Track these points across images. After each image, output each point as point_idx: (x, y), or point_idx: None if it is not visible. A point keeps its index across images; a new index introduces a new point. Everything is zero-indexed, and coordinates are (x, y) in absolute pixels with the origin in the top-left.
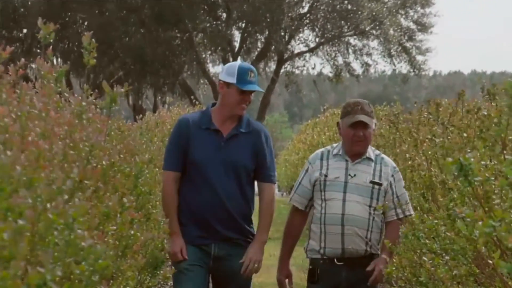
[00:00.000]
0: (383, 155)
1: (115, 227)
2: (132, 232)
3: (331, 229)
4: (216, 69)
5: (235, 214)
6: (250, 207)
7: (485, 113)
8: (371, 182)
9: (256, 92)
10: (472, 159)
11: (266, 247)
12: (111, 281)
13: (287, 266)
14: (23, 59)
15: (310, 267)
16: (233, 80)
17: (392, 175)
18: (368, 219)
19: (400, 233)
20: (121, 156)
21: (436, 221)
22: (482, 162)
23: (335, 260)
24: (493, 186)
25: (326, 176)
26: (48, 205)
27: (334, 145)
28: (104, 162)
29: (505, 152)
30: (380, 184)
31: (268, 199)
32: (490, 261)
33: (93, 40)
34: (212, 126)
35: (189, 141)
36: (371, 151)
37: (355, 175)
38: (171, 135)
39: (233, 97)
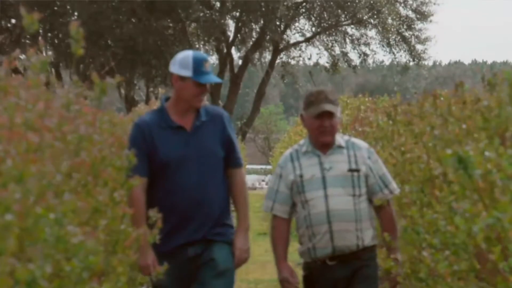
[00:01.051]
0: (353, 139)
1: (105, 222)
2: (123, 227)
3: (318, 229)
4: (210, 59)
5: (216, 209)
6: (227, 197)
7: (486, 104)
8: (349, 170)
9: (250, 83)
10: (471, 152)
11: (261, 242)
12: (102, 277)
13: (286, 265)
14: (18, 50)
15: (304, 274)
16: (188, 73)
17: (368, 157)
18: (354, 210)
19: (395, 218)
20: (112, 149)
21: (435, 215)
22: (486, 153)
23: (327, 261)
24: (496, 178)
25: (301, 176)
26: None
27: (301, 142)
28: (94, 155)
29: (505, 145)
30: (358, 170)
31: (241, 184)
32: (493, 257)
33: (80, 29)
34: (172, 123)
35: (153, 143)
36: (339, 138)
37: (330, 167)
38: (132, 140)
39: (190, 91)
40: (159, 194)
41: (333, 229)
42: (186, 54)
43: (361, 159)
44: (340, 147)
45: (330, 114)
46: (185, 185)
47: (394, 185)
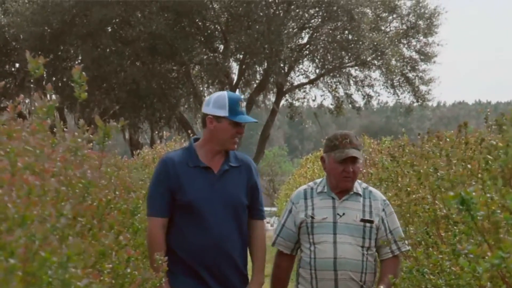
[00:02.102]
0: (370, 188)
1: (111, 266)
2: (129, 270)
3: (323, 275)
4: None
5: (235, 257)
6: (246, 248)
7: (493, 143)
8: (362, 220)
9: (254, 125)
10: (474, 193)
11: (267, 284)
12: None
13: None
14: (22, 95)
15: None
16: (224, 113)
17: (383, 209)
18: (361, 261)
19: (398, 269)
20: (117, 193)
21: (440, 256)
22: (488, 195)
23: None
24: (501, 217)
25: (312, 217)
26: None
27: (318, 181)
28: (99, 199)
29: (510, 185)
30: (371, 222)
31: (261, 238)
32: None
33: (83, 73)
34: (200, 163)
35: (179, 182)
36: (357, 185)
37: (344, 213)
38: (156, 177)
39: (226, 131)
40: (174, 236)
41: (339, 277)
42: (221, 94)
43: (375, 210)
44: (357, 194)
45: (354, 160)
46: (205, 228)
47: (404, 241)
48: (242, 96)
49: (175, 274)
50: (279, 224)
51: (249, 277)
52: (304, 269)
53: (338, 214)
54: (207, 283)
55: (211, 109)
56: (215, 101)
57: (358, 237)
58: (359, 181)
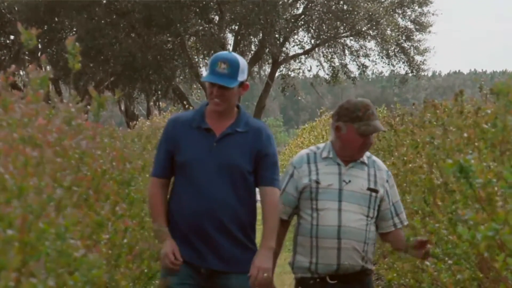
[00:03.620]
0: (374, 158)
1: (107, 236)
2: (126, 241)
3: (325, 243)
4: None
5: (227, 223)
6: (249, 215)
7: (484, 113)
8: (369, 189)
9: (250, 96)
10: (472, 161)
11: None
12: None
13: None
14: (13, 66)
15: None
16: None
17: (387, 180)
18: (365, 231)
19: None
20: (113, 163)
21: (437, 224)
22: (484, 164)
23: (328, 278)
24: (496, 188)
25: (317, 182)
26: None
27: (320, 145)
28: (95, 170)
29: (503, 155)
30: (377, 191)
31: (272, 203)
32: (496, 265)
33: (77, 44)
34: (203, 124)
35: (177, 142)
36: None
37: (350, 181)
38: (161, 137)
39: (207, 91)
40: (175, 198)
41: (342, 246)
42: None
43: (380, 180)
44: (362, 162)
45: (376, 132)
46: (198, 192)
47: (404, 215)
48: (232, 56)
49: (174, 239)
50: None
51: (251, 248)
52: (303, 236)
53: (344, 181)
54: (199, 251)
55: None
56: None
57: (364, 206)
58: None
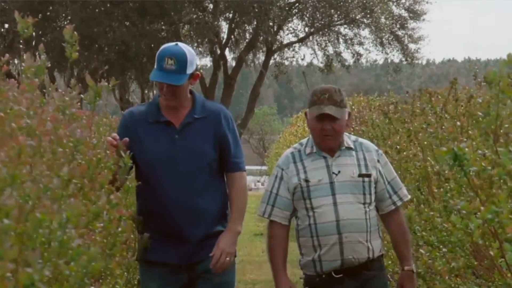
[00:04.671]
0: (360, 140)
1: (102, 225)
2: (120, 229)
3: (326, 240)
4: (203, 61)
5: (201, 214)
6: (220, 203)
7: (478, 101)
8: (360, 175)
9: (244, 84)
10: (466, 149)
11: (258, 243)
12: (100, 280)
13: (286, 279)
14: (7, 55)
15: (306, 287)
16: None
17: (378, 160)
18: (365, 219)
19: (405, 222)
20: (108, 151)
21: (432, 212)
22: (479, 151)
23: (333, 274)
24: (491, 175)
25: (307, 180)
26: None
27: (303, 141)
28: (89, 158)
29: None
30: (369, 176)
31: (239, 188)
32: (491, 252)
33: (75, 33)
34: (161, 118)
35: (137, 137)
36: (347, 139)
37: (339, 171)
38: (118, 130)
39: (158, 86)
40: (143, 197)
41: (344, 240)
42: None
43: (371, 162)
44: (349, 148)
45: (332, 117)
46: (167, 188)
47: (404, 190)
48: (177, 51)
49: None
50: (270, 195)
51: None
52: (304, 237)
53: (333, 173)
54: (175, 248)
55: None
56: None
57: (359, 193)
58: (347, 134)
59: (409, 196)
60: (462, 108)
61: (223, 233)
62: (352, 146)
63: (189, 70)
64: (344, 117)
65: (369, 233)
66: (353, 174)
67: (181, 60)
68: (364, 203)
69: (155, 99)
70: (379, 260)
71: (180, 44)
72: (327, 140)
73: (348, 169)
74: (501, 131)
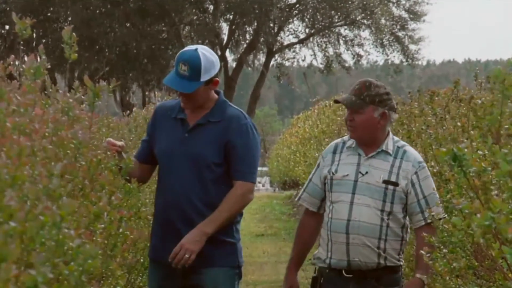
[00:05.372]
0: (406, 148)
1: (103, 226)
2: (121, 230)
3: (336, 238)
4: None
5: (196, 217)
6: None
7: (480, 102)
8: (385, 181)
9: (245, 85)
10: (466, 149)
11: (259, 244)
12: (101, 280)
13: (293, 276)
14: (12, 56)
15: (314, 275)
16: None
17: (415, 172)
18: (380, 226)
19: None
20: (108, 153)
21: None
22: (480, 152)
23: (343, 272)
24: (491, 176)
25: (333, 173)
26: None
27: None
28: (90, 159)
29: (499, 143)
30: (396, 184)
31: (232, 194)
32: (492, 253)
33: (73, 34)
34: (179, 114)
35: (154, 131)
36: (390, 142)
37: (366, 172)
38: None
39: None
40: (156, 188)
41: (350, 241)
42: None
43: (404, 172)
44: (386, 152)
45: (351, 108)
46: (169, 185)
47: (438, 209)
48: (192, 57)
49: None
50: (308, 181)
51: (224, 240)
52: (323, 229)
53: (360, 172)
54: (172, 248)
55: None
56: None
57: (378, 199)
58: (396, 138)
59: (444, 215)
60: (464, 108)
61: (192, 230)
62: (391, 151)
63: (204, 78)
64: (369, 113)
65: (383, 241)
66: (378, 179)
67: (195, 68)
68: (382, 210)
69: None
70: (394, 271)
71: (200, 49)
72: (349, 130)
73: (376, 173)
74: (502, 131)
